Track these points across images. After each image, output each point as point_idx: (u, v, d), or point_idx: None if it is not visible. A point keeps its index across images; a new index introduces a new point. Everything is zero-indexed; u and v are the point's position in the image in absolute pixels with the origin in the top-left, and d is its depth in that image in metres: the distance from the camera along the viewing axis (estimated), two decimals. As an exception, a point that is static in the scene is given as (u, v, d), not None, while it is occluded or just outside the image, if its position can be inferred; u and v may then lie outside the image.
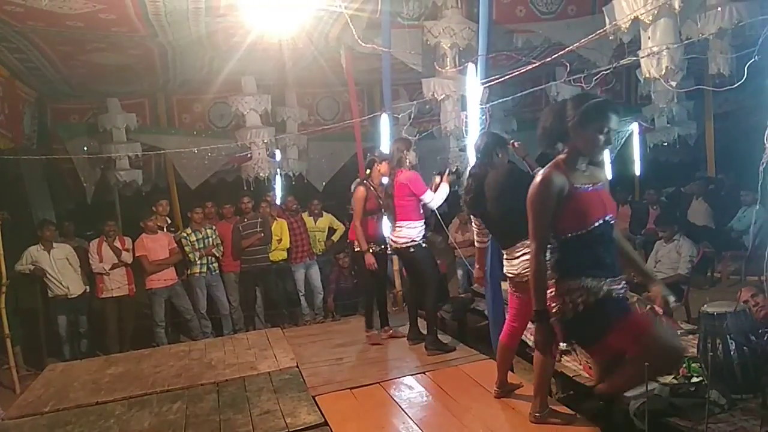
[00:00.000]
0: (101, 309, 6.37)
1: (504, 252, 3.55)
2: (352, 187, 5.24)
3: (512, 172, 3.49)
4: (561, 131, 2.61)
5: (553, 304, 2.62)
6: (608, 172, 9.47)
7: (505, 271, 3.57)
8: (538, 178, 2.61)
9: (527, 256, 3.10)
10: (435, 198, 4.68)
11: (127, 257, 6.33)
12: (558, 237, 2.64)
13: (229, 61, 6.86)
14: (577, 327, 2.62)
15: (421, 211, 4.80)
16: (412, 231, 4.72)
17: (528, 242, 2.79)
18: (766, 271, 2.82)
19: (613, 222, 2.66)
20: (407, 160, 4.75)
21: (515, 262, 3.42)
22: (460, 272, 7.33)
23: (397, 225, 4.79)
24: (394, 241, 4.85)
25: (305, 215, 7.49)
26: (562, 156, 2.64)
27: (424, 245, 4.84)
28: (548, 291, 2.63)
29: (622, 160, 10.25)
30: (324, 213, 7.72)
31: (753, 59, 2.59)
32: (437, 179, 4.77)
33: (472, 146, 3.62)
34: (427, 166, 7.14)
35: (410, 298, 5.17)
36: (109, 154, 7.84)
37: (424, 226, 4.84)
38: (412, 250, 4.75)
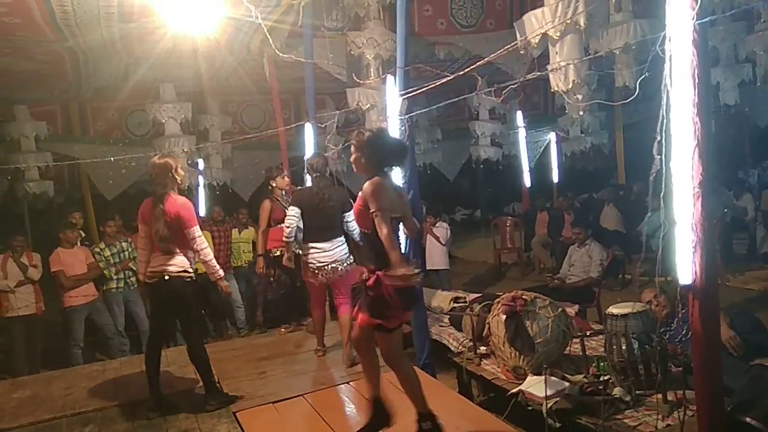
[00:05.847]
0: (7, 329, 5.95)
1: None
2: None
3: None
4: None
5: None
6: (527, 180, 9.95)
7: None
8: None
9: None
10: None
11: (34, 274, 5.95)
12: None
13: (145, 67, 6.65)
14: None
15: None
16: (186, 260, 3.95)
17: None
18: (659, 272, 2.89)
19: None
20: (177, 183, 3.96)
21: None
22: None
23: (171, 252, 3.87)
24: (163, 270, 3.86)
25: (235, 231, 7.30)
26: None
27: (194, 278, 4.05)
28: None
29: (541, 168, 10.70)
30: (250, 226, 7.49)
31: (644, 75, 2.77)
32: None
33: None
34: (356, 174, 7.14)
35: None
36: (16, 164, 7.45)
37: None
38: (188, 280, 3.94)
